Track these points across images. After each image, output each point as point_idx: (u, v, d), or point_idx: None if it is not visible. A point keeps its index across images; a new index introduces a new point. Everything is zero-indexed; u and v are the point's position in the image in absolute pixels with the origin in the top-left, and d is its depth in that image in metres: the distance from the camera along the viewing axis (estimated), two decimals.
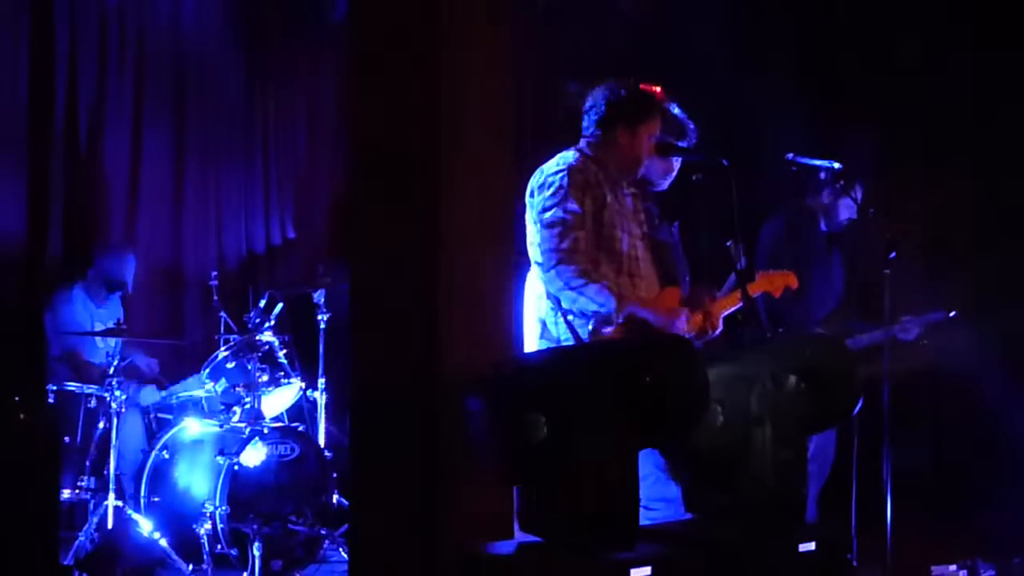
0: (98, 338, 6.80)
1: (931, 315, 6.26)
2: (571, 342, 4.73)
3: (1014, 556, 5.95)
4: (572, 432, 3.53)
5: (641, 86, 5.00)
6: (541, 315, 4.86)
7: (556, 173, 4.82)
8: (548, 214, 4.78)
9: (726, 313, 5.01)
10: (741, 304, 4.95)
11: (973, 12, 7.13)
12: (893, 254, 5.21)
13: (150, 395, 7.06)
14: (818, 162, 5.80)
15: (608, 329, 4.70)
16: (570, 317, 4.76)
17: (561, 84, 7.59)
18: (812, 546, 3.89)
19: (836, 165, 5.67)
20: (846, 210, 6.23)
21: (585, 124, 5.00)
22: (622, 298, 4.68)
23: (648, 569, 3.46)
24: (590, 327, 4.73)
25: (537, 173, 4.89)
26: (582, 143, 4.98)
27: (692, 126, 5.20)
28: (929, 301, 6.28)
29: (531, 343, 4.91)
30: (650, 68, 5.12)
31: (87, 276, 7.20)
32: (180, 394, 7.05)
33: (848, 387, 4.18)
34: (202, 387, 6.94)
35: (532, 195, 4.86)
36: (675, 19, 7.69)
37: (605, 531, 3.54)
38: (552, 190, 4.79)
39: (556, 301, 4.77)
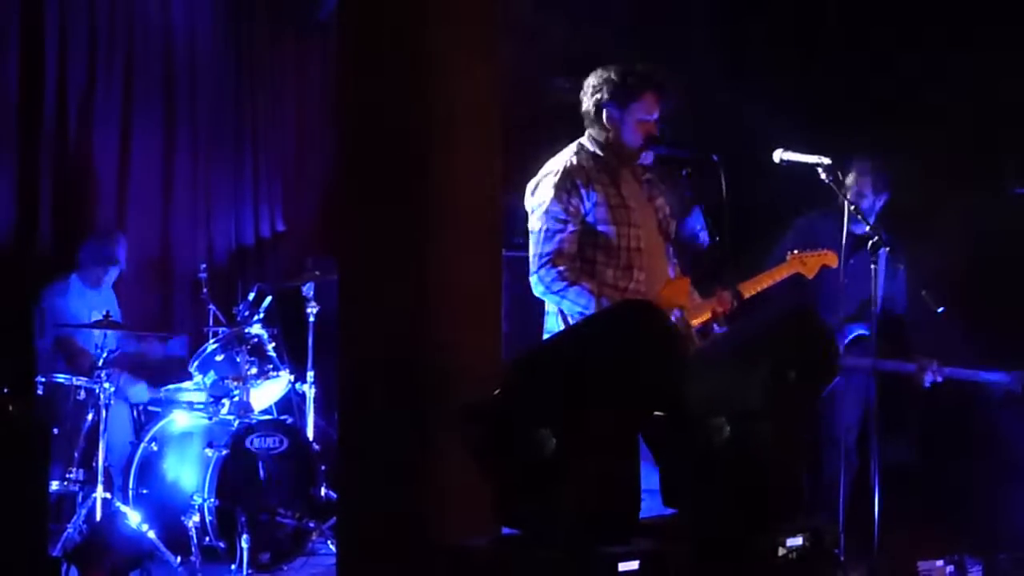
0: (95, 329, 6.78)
1: (983, 374, 6.11)
2: None
3: (1001, 551, 5.96)
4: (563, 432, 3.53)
5: (630, 67, 4.95)
6: (549, 308, 4.89)
7: (545, 176, 4.86)
8: (535, 217, 4.84)
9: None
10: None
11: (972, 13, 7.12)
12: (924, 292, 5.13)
13: (140, 393, 7.04)
14: (808, 158, 5.59)
15: None
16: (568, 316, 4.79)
17: (551, 80, 7.59)
18: (799, 541, 3.91)
19: (826, 161, 5.46)
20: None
21: (583, 116, 5.00)
22: (603, 298, 4.69)
23: (636, 563, 3.47)
24: None
25: (537, 175, 4.92)
26: (584, 136, 4.98)
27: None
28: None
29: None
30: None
31: (79, 262, 7.17)
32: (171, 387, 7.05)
33: (825, 355, 4.18)
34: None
35: (529, 197, 4.90)
36: (667, 14, 7.68)
37: (604, 527, 3.55)
38: (541, 193, 4.84)
39: None
